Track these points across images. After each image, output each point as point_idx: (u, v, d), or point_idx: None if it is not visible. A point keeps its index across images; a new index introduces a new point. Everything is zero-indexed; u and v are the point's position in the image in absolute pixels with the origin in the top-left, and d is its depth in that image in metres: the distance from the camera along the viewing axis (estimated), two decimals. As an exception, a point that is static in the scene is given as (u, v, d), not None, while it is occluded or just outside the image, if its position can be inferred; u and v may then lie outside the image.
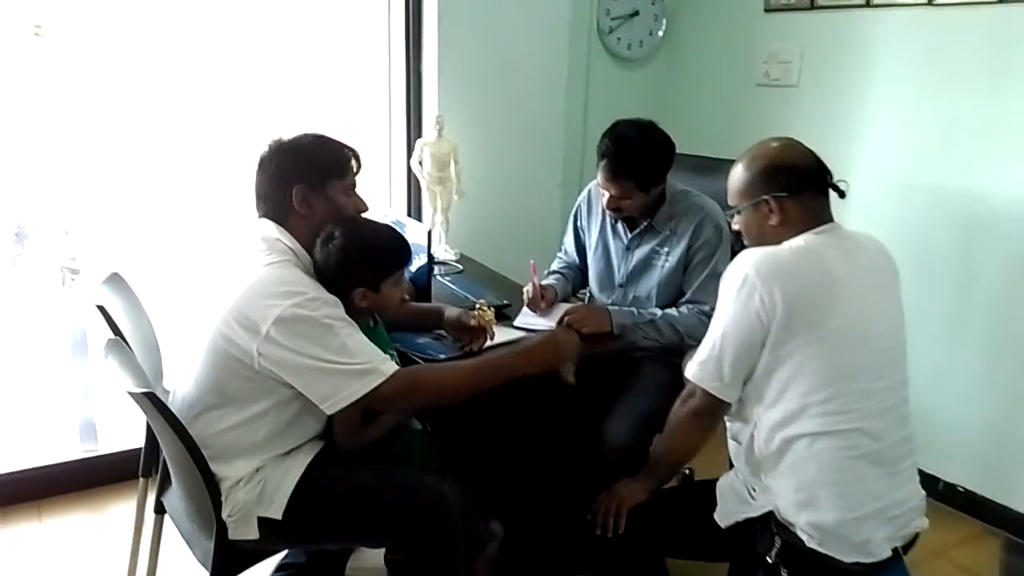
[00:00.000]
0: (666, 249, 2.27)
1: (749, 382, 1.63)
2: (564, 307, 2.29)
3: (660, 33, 3.59)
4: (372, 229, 1.74)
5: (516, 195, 3.21)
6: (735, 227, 1.76)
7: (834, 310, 1.54)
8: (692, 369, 1.67)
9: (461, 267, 2.81)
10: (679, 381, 2.22)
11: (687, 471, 2.92)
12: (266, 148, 1.72)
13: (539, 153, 3.24)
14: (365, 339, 1.61)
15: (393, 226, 1.81)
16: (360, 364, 1.56)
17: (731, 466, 1.82)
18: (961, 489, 2.81)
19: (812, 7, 3.05)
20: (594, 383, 2.09)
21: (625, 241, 2.34)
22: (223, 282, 1.67)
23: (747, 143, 3.17)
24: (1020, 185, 2.54)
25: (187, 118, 2.71)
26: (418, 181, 3.01)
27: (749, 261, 1.57)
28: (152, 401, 1.53)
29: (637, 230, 2.31)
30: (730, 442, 1.76)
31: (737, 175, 1.71)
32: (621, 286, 2.37)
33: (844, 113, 3.00)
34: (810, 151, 1.69)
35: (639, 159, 2.14)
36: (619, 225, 2.35)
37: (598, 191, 2.44)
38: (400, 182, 3.13)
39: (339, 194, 1.72)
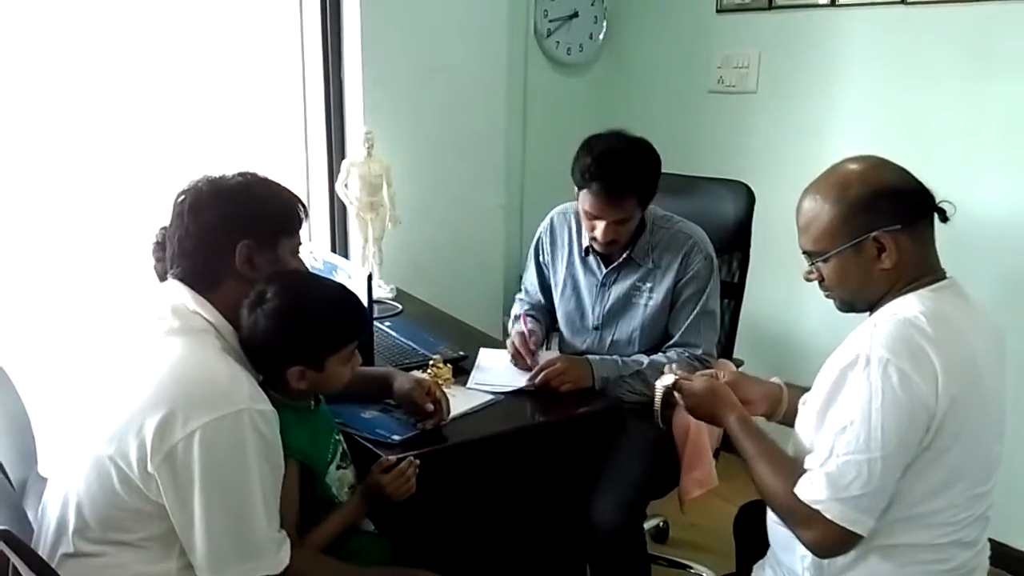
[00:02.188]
0: (649, 285, 1.96)
1: None
2: (542, 357, 1.94)
3: (601, 36, 3.31)
4: (317, 289, 1.37)
5: (454, 219, 2.84)
6: (810, 278, 1.40)
7: (975, 405, 1.23)
8: (831, 506, 1.21)
9: (399, 306, 2.42)
10: (669, 437, 1.93)
11: (660, 524, 2.63)
12: (198, 188, 1.33)
13: (478, 171, 2.88)
14: (276, 499, 1.27)
15: (344, 285, 1.43)
16: (252, 541, 1.23)
17: (755, 543, 1.51)
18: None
19: (770, 7, 2.82)
20: (574, 452, 1.79)
21: (599, 277, 2.01)
22: (113, 371, 1.30)
23: (700, 156, 2.97)
24: (1003, 197, 2.37)
25: (66, 136, 2.21)
26: (343, 207, 2.61)
27: (888, 347, 1.20)
28: (8, 544, 1.11)
29: (614, 264, 1.98)
30: (777, 528, 1.42)
31: (820, 211, 1.33)
32: (596, 328, 2.03)
33: (808, 122, 2.78)
34: (901, 167, 1.35)
35: (636, 170, 1.83)
36: (591, 258, 2.02)
37: (561, 220, 2.11)
38: (321, 208, 2.70)
39: (288, 255, 1.37)
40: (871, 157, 1.37)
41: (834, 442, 1.22)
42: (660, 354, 1.94)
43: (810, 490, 1.23)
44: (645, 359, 1.91)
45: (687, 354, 1.92)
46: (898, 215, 1.28)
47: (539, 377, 1.80)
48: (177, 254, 1.32)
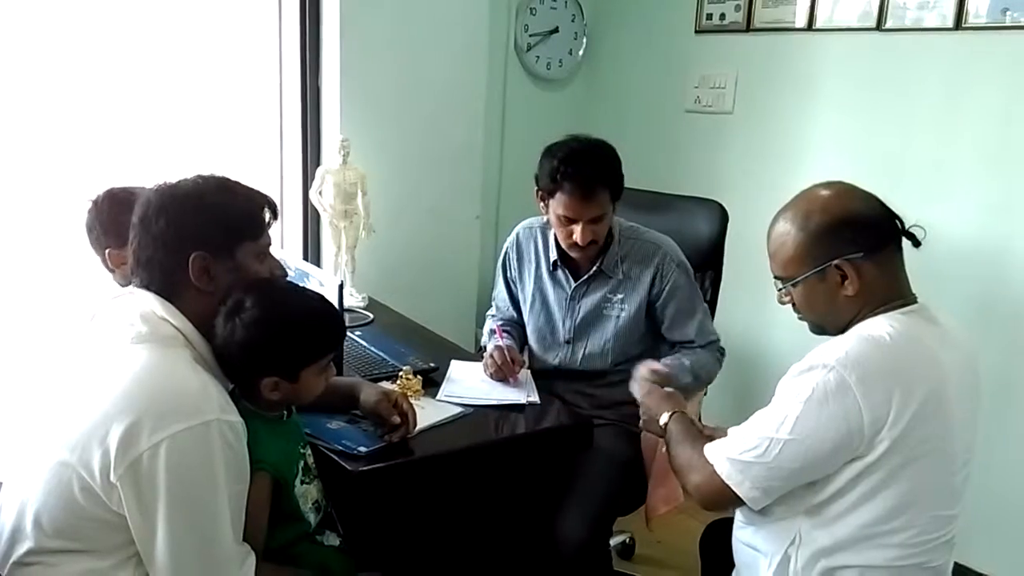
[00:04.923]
0: (620, 296, 1.96)
1: (805, 487, 1.31)
2: (522, 376, 1.92)
3: (580, 52, 3.33)
4: (296, 300, 1.35)
5: (429, 229, 2.82)
6: (783, 301, 1.42)
7: (938, 426, 1.24)
8: (723, 465, 1.31)
9: (371, 316, 2.40)
10: (638, 453, 1.93)
11: (627, 540, 2.62)
12: (149, 197, 1.29)
13: (455, 182, 2.87)
14: (241, 513, 1.25)
15: (322, 296, 1.42)
16: (216, 556, 1.21)
17: (720, 561, 1.52)
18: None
19: (748, 29, 2.85)
20: (541, 467, 1.78)
21: (568, 290, 2.01)
22: (76, 376, 1.27)
23: (675, 174, 2.99)
24: (974, 224, 2.40)
25: (40, 138, 2.17)
26: (316, 215, 2.59)
27: (837, 357, 1.23)
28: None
29: (583, 277, 1.98)
30: (742, 547, 1.43)
31: (786, 238, 1.35)
32: (568, 342, 2.02)
33: (783, 144, 2.81)
34: (870, 194, 1.37)
35: (604, 164, 1.86)
36: (559, 272, 2.02)
37: (527, 235, 2.11)
38: (294, 216, 2.68)
39: (252, 260, 1.33)
40: (839, 184, 1.39)
41: (754, 418, 1.32)
42: (690, 352, 1.96)
43: (714, 447, 1.35)
44: (687, 361, 1.92)
45: (712, 348, 1.98)
46: (860, 243, 1.30)
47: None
48: (134, 265, 1.29)
